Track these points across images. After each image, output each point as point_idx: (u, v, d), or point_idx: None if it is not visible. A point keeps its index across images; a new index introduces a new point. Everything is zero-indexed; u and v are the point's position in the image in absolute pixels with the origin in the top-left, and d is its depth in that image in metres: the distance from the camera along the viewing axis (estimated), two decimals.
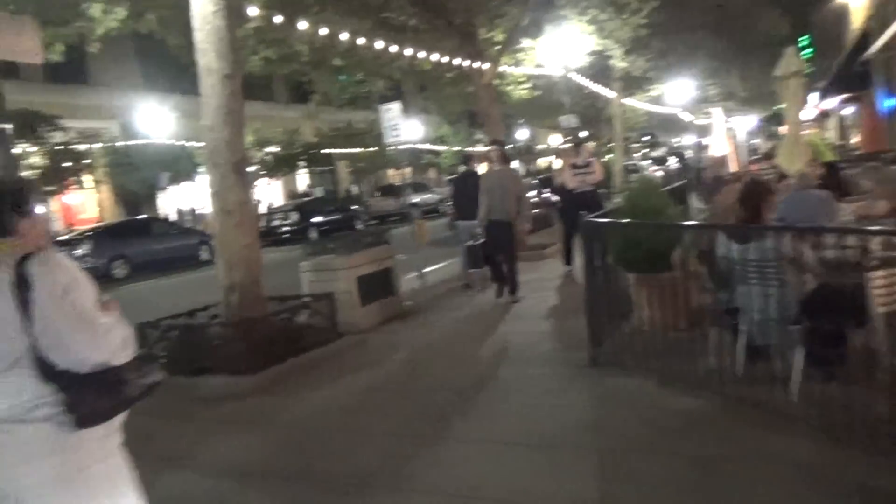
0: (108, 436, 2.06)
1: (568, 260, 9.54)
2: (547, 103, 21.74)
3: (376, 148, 30.65)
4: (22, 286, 1.88)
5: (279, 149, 27.00)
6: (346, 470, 3.89)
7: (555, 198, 11.15)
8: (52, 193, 19.86)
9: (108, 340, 1.97)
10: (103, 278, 15.40)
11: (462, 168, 10.27)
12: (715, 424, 3.86)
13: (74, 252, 16.20)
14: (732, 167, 17.08)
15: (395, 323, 7.55)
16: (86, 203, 23.96)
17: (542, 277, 9.49)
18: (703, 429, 3.83)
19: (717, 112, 23.24)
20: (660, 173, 32.76)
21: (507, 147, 9.48)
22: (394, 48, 11.02)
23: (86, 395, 1.93)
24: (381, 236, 7.98)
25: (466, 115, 34.59)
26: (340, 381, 5.57)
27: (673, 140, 53.29)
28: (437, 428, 4.34)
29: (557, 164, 17.97)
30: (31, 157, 18.58)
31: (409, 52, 11.34)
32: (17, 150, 18.44)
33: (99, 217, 23.23)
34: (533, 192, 15.62)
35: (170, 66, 17.79)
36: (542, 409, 4.45)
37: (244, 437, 4.62)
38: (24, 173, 18.54)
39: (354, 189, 36.99)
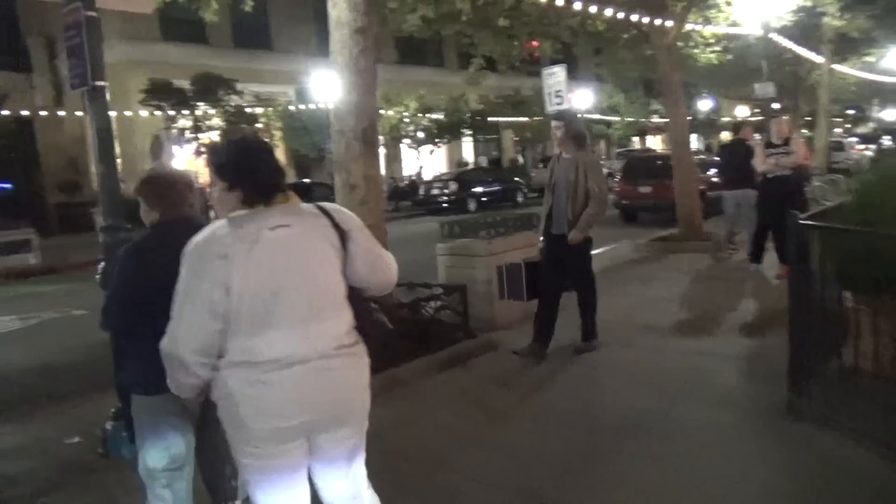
0: None
1: (757, 257, 7.96)
2: (738, 70, 19.24)
3: (542, 117, 29.40)
4: (336, 227, 2.13)
5: (442, 116, 26.56)
6: None
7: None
8: None
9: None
10: None
11: (730, 137, 9.67)
12: None
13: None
14: None
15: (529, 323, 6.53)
16: None
17: (720, 276, 8.01)
18: None
19: None
20: (867, 153, 28.46)
21: (687, 118, 8.12)
22: (560, 1, 9.77)
23: (376, 323, 2.31)
24: (531, 220, 6.95)
25: (642, 83, 32.13)
26: (462, 397, 4.68)
27: (884, 114, 46.32)
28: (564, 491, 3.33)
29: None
30: (211, 118, 19.49)
31: (578, 5, 10.01)
32: (198, 111, 19.50)
33: None
34: (713, 171, 13.70)
35: None
36: (715, 484, 3.26)
37: None
38: (203, 134, 19.56)
39: (519, 159, 35.99)
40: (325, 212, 2.13)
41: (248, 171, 2.07)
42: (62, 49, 19.42)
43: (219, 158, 2.13)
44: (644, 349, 5.48)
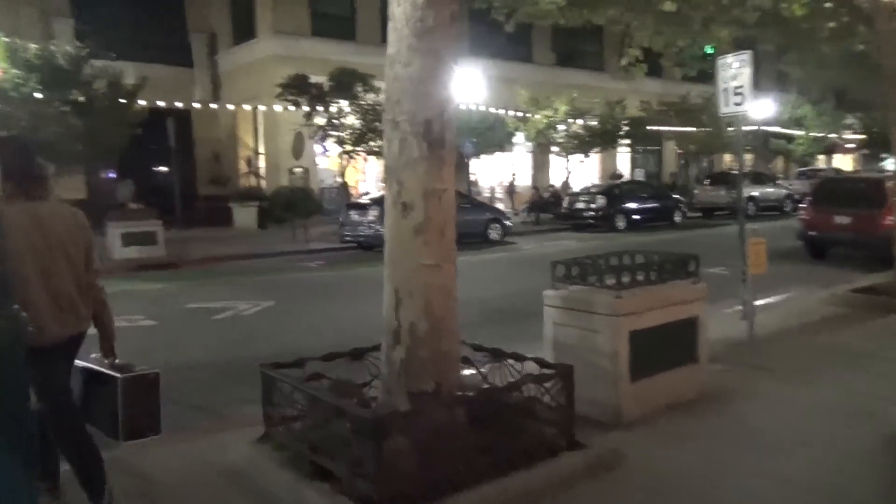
0: None
1: None
2: None
3: (711, 128, 26.13)
4: None
5: (596, 122, 24.21)
6: None
7: None
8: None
9: None
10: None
11: None
12: None
13: (363, 218, 15.68)
14: None
15: (688, 414, 4.41)
16: None
17: None
18: None
19: None
20: None
21: None
22: None
23: None
24: (687, 263, 4.81)
25: (832, 92, 27.75)
26: None
27: None
28: None
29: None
30: (346, 115, 18.66)
31: None
32: (333, 108, 18.73)
33: None
34: None
35: (486, 29, 16.29)
36: None
37: None
38: (337, 133, 18.74)
39: (680, 174, 32.67)
40: None
41: None
42: (222, 44, 19.48)
43: None
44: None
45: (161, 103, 19.42)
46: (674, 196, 23.04)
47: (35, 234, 2.90)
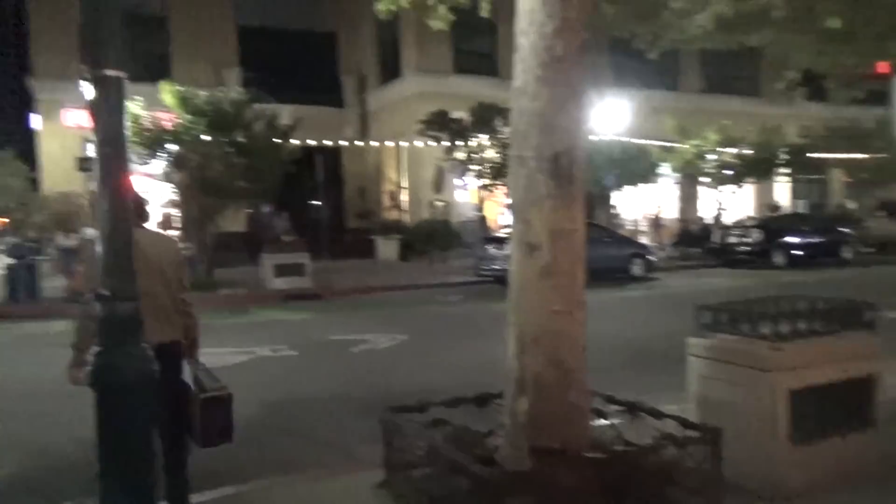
0: None
1: None
2: None
3: (886, 154, 23.63)
4: None
5: (751, 151, 22.67)
6: None
7: None
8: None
9: None
10: None
11: None
12: None
13: (500, 252, 15.56)
14: None
15: (861, 489, 3.77)
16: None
17: None
18: None
19: None
20: None
21: None
22: None
23: None
24: (860, 312, 4.17)
25: None
26: None
27: None
28: None
29: None
30: (485, 149, 18.79)
31: None
32: (473, 142, 18.93)
33: None
34: None
35: (628, 58, 15.80)
36: None
37: None
38: (476, 167, 18.90)
39: (850, 204, 29.80)
40: None
41: None
42: (370, 85, 20.50)
43: None
44: None
45: (312, 142, 20.61)
46: (842, 229, 20.96)
47: (138, 256, 3.29)
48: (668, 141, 23.12)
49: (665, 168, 23.97)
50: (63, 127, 20.65)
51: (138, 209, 3.44)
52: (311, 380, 7.21)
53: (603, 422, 3.84)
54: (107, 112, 2.62)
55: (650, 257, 17.23)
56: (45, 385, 5.88)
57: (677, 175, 25.09)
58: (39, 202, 21.00)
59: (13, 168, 25.11)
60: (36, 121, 22.26)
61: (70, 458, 4.68)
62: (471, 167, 18.98)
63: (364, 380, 7.17)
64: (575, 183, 3.22)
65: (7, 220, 24.41)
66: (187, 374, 3.56)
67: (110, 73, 2.60)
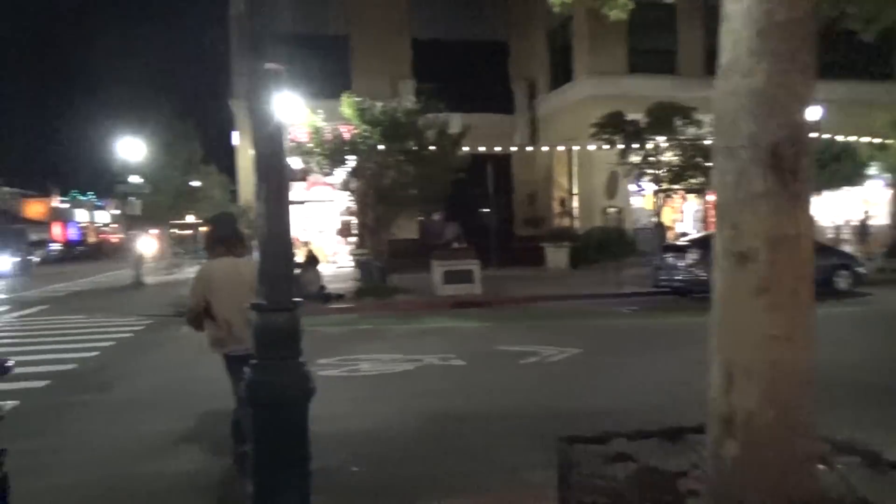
0: None
1: None
2: None
3: None
4: None
5: None
6: None
7: None
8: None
9: None
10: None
11: None
12: None
13: (680, 262, 14.45)
14: None
15: None
16: None
17: None
18: None
19: None
20: None
21: None
22: None
23: None
24: None
25: None
26: None
27: None
28: None
29: None
30: (663, 152, 17.61)
31: None
32: (649, 144, 17.79)
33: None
34: None
35: (828, 45, 13.93)
36: None
37: None
38: (653, 171, 17.78)
39: None
40: None
41: None
42: (540, 90, 20.26)
43: None
44: None
45: (482, 148, 20.60)
46: None
47: (235, 278, 4.31)
48: (880, 138, 20.34)
49: (874, 168, 21.14)
50: None
51: (237, 243, 4.55)
52: (479, 393, 6.94)
53: (826, 470, 3.12)
54: (263, 105, 2.46)
55: (858, 269, 15.11)
56: None
57: (889, 176, 22.04)
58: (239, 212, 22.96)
59: (216, 181, 27.80)
60: (235, 137, 24.38)
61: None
62: (647, 171, 17.89)
63: (534, 396, 6.76)
64: (800, 178, 2.59)
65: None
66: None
67: (269, 66, 2.45)
